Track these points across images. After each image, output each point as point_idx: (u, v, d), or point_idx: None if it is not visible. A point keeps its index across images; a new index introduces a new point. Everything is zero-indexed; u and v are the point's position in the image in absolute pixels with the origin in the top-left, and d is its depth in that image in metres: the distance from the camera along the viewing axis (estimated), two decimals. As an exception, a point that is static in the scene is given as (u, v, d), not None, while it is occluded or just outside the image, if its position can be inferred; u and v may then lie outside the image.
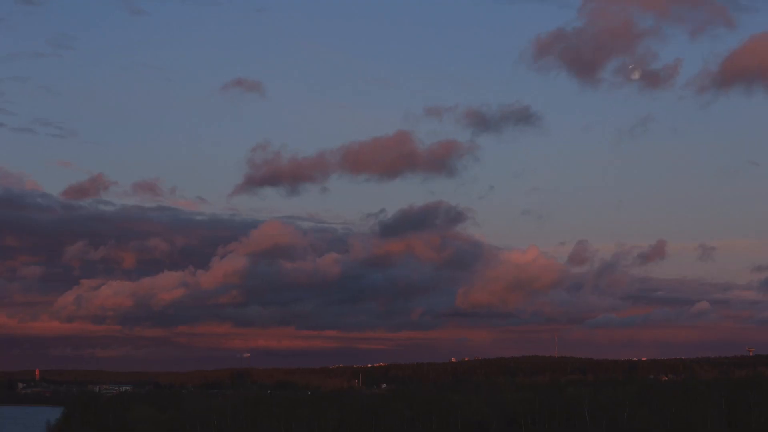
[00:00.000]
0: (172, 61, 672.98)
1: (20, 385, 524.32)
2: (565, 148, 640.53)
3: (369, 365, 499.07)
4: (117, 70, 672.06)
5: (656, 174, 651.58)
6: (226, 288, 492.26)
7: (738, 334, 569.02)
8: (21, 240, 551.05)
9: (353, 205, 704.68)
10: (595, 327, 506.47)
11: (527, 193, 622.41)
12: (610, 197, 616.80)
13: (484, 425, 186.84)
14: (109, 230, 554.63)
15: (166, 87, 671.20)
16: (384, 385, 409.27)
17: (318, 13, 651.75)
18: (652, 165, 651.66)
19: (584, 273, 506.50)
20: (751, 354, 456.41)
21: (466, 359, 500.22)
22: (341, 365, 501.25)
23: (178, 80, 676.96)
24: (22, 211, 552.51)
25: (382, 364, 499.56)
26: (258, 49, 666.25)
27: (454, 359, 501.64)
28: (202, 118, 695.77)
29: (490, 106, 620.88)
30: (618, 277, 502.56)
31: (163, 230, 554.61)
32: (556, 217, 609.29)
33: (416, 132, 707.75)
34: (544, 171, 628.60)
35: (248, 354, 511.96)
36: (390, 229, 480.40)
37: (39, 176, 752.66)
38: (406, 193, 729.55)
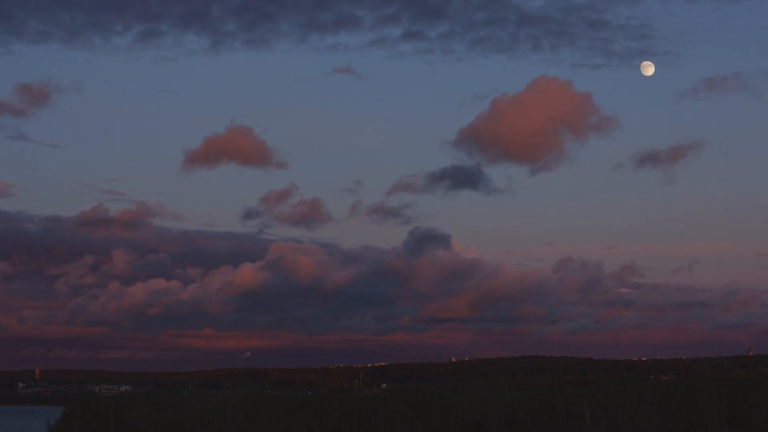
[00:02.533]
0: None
1: (20, 384, 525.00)
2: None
3: (369, 365, 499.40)
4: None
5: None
6: (229, 294, 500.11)
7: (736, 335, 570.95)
8: (15, 246, 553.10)
9: (355, 238, 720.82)
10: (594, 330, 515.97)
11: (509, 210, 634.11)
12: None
13: (484, 425, 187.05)
14: (108, 236, 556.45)
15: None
16: (384, 385, 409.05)
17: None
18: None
19: (572, 278, 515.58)
20: (751, 354, 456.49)
21: (466, 359, 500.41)
22: (341, 365, 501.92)
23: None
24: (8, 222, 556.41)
25: (382, 364, 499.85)
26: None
27: (454, 359, 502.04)
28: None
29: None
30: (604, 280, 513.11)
31: (163, 239, 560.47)
32: (535, 227, 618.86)
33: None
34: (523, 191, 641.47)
35: (249, 353, 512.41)
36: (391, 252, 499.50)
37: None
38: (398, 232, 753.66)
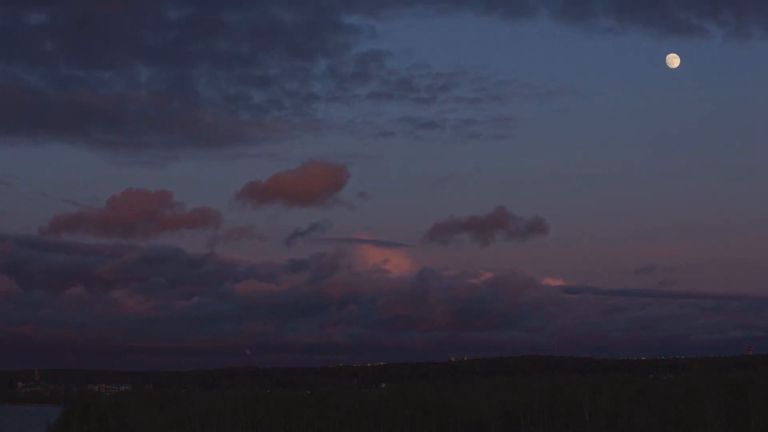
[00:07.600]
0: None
1: (20, 384, 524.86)
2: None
3: (368, 365, 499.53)
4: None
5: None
6: (231, 300, 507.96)
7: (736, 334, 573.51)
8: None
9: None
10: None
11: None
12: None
13: (484, 425, 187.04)
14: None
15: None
16: (383, 385, 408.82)
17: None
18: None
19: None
20: (750, 354, 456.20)
21: (465, 359, 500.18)
22: (341, 365, 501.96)
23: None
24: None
25: (382, 363, 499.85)
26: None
27: (453, 359, 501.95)
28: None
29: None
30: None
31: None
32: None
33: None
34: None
35: (248, 351, 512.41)
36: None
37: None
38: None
